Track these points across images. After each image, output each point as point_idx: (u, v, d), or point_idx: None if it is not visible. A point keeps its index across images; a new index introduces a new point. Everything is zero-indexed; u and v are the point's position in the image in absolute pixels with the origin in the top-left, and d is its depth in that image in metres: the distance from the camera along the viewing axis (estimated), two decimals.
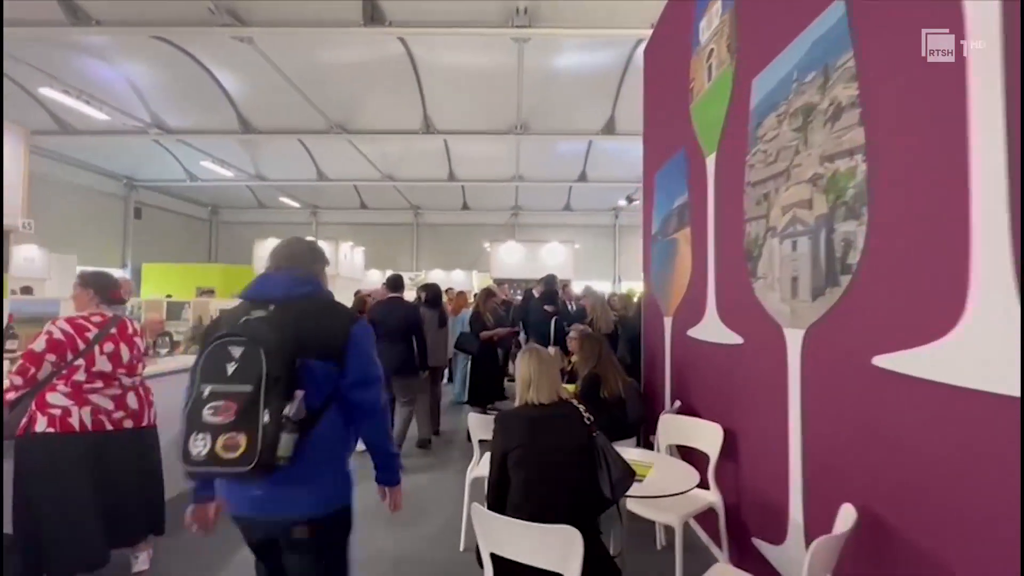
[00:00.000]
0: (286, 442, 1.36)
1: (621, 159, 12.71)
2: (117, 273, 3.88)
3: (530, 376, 1.97)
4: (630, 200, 14.79)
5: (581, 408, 1.94)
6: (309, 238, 1.99)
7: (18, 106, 9.08)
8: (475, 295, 7.06)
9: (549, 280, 5.41)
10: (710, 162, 2.99)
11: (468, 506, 2.95)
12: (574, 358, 4.22)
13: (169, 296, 11.49)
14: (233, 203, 16.86)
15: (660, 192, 4.00)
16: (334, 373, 1.52)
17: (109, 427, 2.42)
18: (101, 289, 2.59)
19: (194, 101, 9.87)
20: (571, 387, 3.86)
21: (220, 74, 9.15)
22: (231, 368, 1.37)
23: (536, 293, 6.23)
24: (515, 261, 11.66)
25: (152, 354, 4.35)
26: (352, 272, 11.93)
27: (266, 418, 1.34)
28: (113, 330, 2.49)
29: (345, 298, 8.69)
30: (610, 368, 3.28)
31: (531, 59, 8.31)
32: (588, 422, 1.90)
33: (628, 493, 1.89)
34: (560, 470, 1.81)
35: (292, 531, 1.49)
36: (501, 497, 1.85)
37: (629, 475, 1.84)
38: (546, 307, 4.96)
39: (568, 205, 16.29)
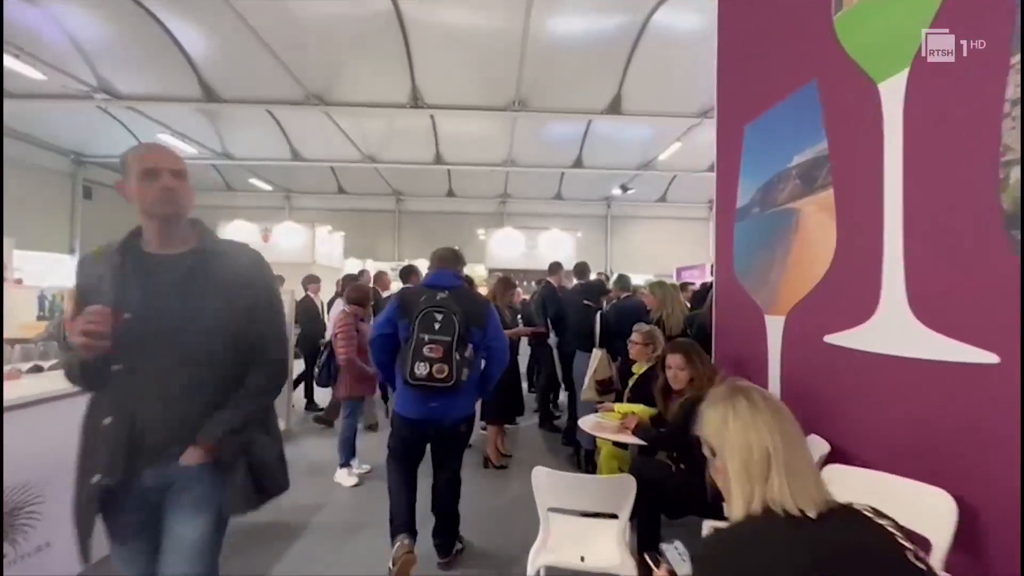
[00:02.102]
0: (465, 373, 2.36)
1: (620, 144, 11.75)
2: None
3: (769, 448, 0.90)
4: (625, 189, 13.87)
5: (887, 523, 0.88)
6: (454, 247, 2.81)
7: None
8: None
9: (583, 268, 4.33)
10: (890, 89, 1.95)
11: None
12: (635, 368, 3.19)
13: None
14: (197, 185, 14.72)
15: (754, 152, 2.97)
16: (480, 333, 2.50)
17: None
18: None
19: (147, 62, 8.38)
20: (637, 408, 2.82)
21: (177, 29, 7.73)
22: (437, 326, 2.33)
23: (556, 283, 5.16)
24: (512, 250, 10.53)
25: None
26: (330, 260, 10.58)
27: (457, 357, 2.33)
28: None
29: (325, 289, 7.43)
30: None
31: (535, 22, 7.20)
32: (916, 559, 0.84)
33: None
34: None
35: (460, 427, 2.54)
36: None
37: None
38: (586, 302, 3.90)
39: (559, 194, 15.25)
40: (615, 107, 9.54)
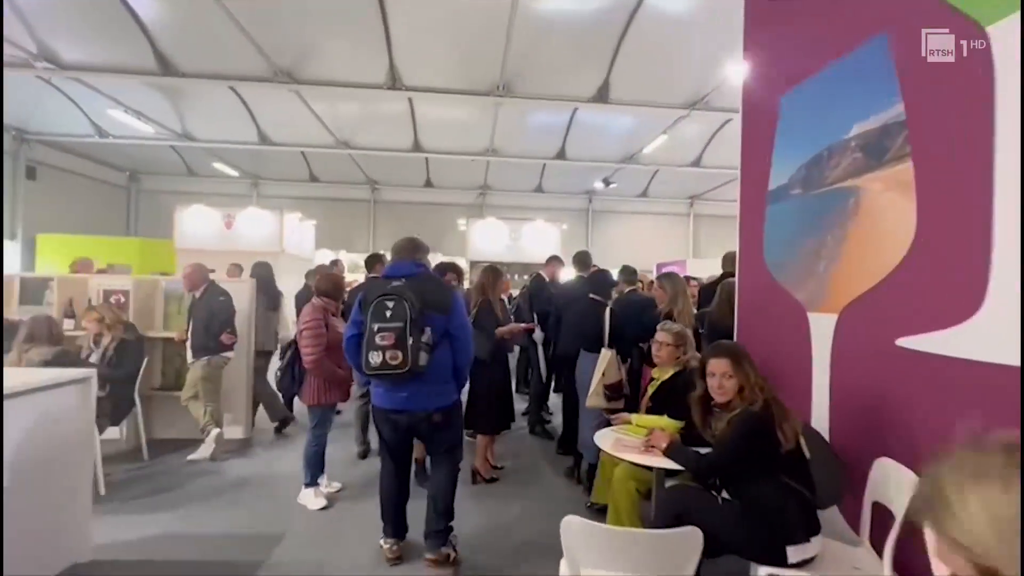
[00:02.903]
0: (423, 358, 2.26)
1: (605, 135, 11.35)
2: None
3: None
4: (607, 183, 13.52)
5: None
6: (413, 236, 2.70)
7: None
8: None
9: (584, 258, 3.86)
10: (1005, 32, 1.55)
11: None
12: (656, 372, 2.75)
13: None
14: (156, 168, 14.09)
15: (794, 125, 2.56)
16: (444, 320, 2.39)
17: None
18: None
19: (94, 27, 7.52)
20: (663, 421, 2.38)
21: None
22: (388, 314, 2.26)
23: (549, 275, 4.70)
24: (495, 242, 10.00)
25: None
26: (300, 250, 9.81)
27: (411, 342, 2.23)
28: None
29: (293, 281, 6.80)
30: (778, 398, 1.85)
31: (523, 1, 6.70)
32: None
33: None
34: None
35: (432, 416, 2.40)
36: None
37: None
38: (593, 295, 3.43)
39: (540, 186, 14.78)
40: (603, 95, 9.10)
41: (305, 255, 9.82)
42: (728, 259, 4.23)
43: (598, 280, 3.46)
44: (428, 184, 14.71)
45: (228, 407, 4.10)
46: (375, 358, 2.22)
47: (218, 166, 12.82)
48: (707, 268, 11.62)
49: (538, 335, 4.48)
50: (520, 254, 9.82)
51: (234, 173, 13.67)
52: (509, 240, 9.85)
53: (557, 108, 9.93)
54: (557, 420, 5.01)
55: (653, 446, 2.07)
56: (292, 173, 14.23)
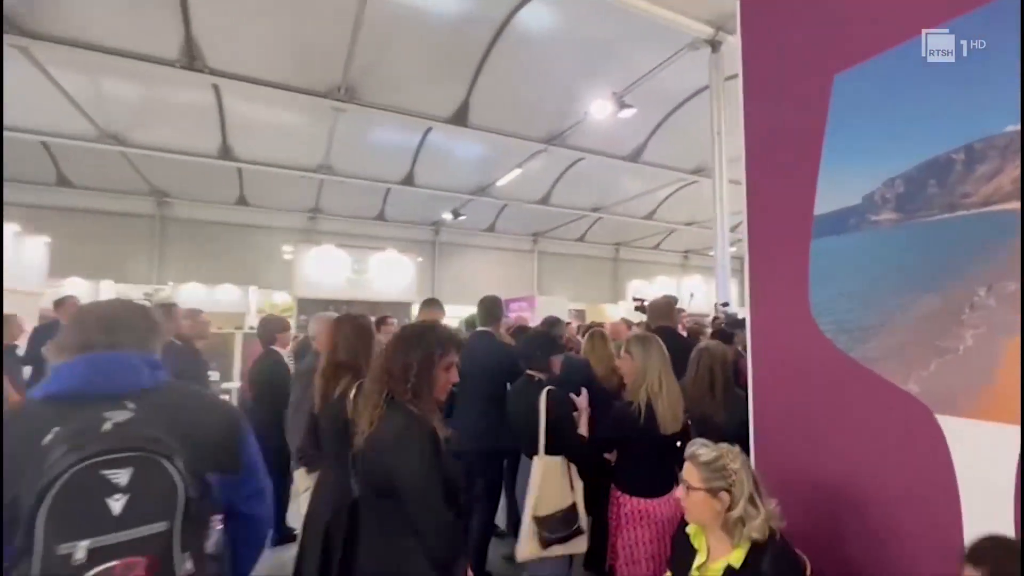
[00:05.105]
0: None
1: (458, 163, 10.31)
2: None
3: None
4: (456, 214, 12.49)
5: None
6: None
7: None
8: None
9: (492, 307, 2.36)
10: None
11: None
12: (695, 535, 1.47)
13: None
14: None
15: (878, 116, 1.64)
16: (227, 483, 1.05)
17: None
18: None
19: None
20: None
21: None
22: (119, 505, 0.80)
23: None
24: (332, 274, 7.92)
25: None
26: (17, 281, 6.34)
27: (188, 565, 0.85)
28: None
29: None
30: None
31: None
32: None
33: None
34: None
35: None
36: None
37: None
38: (531, 369, 1.84)
39: (383, 213, 13.01)
40: (461, 117, 8.03)
41: (27, 287, 6.37)
42: (660, 310, 3.27)
43: (535, 343, 1.98)
44: (242, 201, 11.78)
45: None
46: None
47: None
48: (554, 305, 11.26)
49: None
50: (366, 290, 7.98)
51: None
52: (352, 273, 7.91)
53: (408, 125, 8.52)
54: None
55: None
56: (32, 174, 10.02)
